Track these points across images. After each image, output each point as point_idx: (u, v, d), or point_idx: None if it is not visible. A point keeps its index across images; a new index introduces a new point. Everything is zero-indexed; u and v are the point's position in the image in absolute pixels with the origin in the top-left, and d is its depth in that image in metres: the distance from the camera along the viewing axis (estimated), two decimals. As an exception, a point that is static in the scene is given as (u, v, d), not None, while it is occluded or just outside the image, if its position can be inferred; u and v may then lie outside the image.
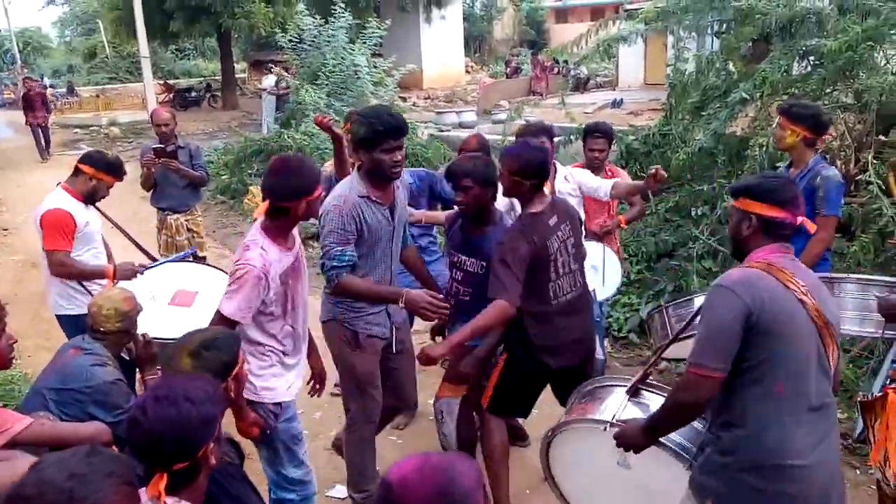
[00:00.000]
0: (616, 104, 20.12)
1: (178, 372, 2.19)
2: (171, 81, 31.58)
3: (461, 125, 17.02)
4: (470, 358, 3.45)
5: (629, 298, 5.93)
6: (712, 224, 5.84)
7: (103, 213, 4.33)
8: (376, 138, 3.11)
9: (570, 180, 4.41)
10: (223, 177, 11.96)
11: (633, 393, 2.74)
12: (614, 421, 2.63)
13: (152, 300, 3.96)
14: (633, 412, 2.66)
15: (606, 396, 2.84)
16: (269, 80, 17.59)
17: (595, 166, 4.87)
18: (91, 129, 22.22)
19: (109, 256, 4.28)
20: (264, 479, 3.23)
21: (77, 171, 4.06)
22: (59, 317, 4.07)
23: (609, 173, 5.03)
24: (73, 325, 3.85)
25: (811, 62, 6.12)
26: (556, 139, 4.97)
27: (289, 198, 2.84)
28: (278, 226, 2.92)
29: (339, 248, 3.17)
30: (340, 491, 3.94)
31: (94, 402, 2.94)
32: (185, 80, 33.73)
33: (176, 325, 3.66)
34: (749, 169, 5.89)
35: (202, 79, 33.31)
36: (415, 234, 4.23)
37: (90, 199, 4.07)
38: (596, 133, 4.86)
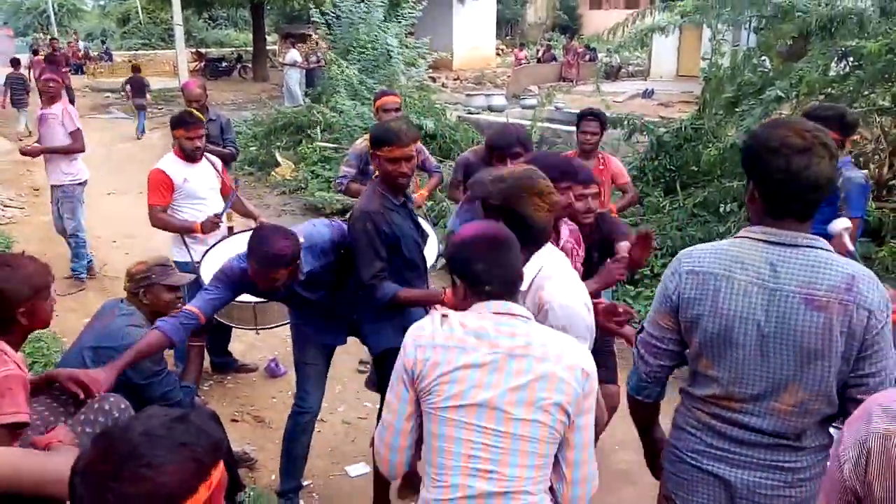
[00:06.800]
0: (647, 94, 19.95)
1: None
2: (202, 50, 31.72)
3: (490, 108, 16.90)
4: None
5: (651, 292, 5.92)
6: (740, 221, 5.81)
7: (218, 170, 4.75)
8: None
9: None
10: (251, 148, 12.01)
11: None
12: None
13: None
14: None
15: None
16: (291, 55, 17.56)
17: (586, 150, 4.89)
18: (122, 93, 22.31)
19: (245, 214, 4.92)
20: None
21: None
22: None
23: (601, 160, 5.01)
24: (181, 269, 4.34)
25: (850, 63, 6.04)
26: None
27: None
28: None
29: None
30: (361, 468, 3.88)
31: (126, 362, 3.00)
32: (217, 50, 33.85)
33: None
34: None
35: (233, 49, 33.44)
36: None
37: (189, 157, 4.47)
38: (589, 116, 4.92)
